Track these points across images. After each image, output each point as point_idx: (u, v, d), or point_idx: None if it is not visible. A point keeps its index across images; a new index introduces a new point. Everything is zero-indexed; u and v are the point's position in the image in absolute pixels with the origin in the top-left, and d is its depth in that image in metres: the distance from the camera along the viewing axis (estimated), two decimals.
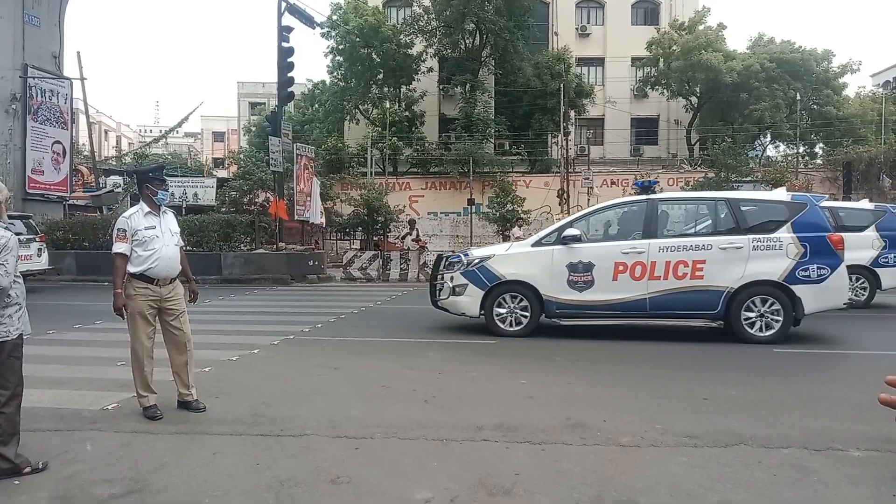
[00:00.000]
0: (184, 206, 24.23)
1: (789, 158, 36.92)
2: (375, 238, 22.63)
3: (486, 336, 9.31)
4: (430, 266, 19.59)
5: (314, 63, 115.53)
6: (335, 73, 36.02)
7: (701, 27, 36.76)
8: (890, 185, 29.04)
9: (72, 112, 23.37)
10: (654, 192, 9.54)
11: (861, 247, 11.68)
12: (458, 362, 7.58)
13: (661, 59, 36.77)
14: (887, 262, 11.83)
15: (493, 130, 34.47)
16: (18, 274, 4.26)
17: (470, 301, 9.42)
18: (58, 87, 21.88)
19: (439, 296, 9.93)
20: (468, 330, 9.98)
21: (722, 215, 9.00)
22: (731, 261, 8.58)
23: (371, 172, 30.61)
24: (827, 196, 14.11)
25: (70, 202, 23.75)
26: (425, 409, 5.63)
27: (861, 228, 12.01)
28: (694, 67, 34.37)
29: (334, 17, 33.99)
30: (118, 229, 5.37)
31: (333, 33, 33.94)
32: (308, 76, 51.54)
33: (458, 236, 27.33)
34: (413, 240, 20.90)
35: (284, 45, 19.27)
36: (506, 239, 21.15)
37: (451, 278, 9.61)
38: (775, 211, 8.84)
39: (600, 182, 29.98)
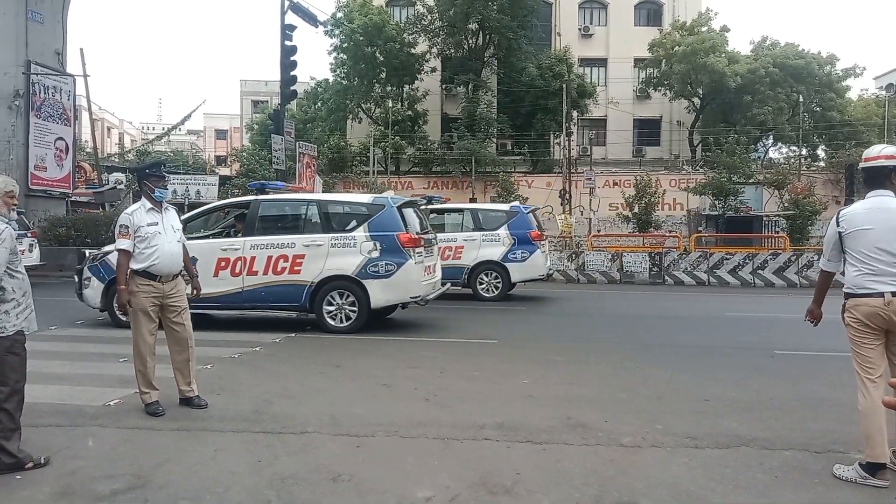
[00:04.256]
0: (186, 203, 24.24)
1: (792, 161, 36.88)
2: None
3: (489, 336, 9.31)
4: None
5: (317, 61, 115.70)
6: (338, 72, 36.00)
7: (704, 29, 36.71)
8: None
9: (74, 109, 23.38)
10: None
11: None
12: (460, 361, 7.59)
13: (664, 61, 36.72)
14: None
15: (495, 130, 34.44)
16: (22, 270, 4.24)
17: (92, 293, 9.60)
18: (61, 83, 21.88)
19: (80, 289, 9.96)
20: (470, 330, 9.99)
21: None
22: None
23: (373, 171, 30.63)
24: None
25: (72, 199, 23.78)
26: (426, 407, 5.63)
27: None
28: (697, 70, 34.33)
29: (339, 15, 33.98)
30: (121, 226, 5.39)
31: (337, 31, 33.93)
32: (311, 74, 51.59)
33: None
34: None
35: (287, 43, 19.26)
36: None
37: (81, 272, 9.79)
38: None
39: (602, 183, 29.95)
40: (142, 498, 3.74)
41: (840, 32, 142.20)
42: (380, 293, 9.12)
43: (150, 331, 5.38)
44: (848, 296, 4.20)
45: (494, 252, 13.55)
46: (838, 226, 4.23)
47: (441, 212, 14.65)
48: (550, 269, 15.44)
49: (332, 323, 9.21)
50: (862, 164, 4.35)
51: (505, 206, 14.92)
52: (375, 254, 9.13)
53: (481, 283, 13.64)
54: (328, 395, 6.06)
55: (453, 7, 32.76)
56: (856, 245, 4.15)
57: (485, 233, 13.71)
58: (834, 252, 4.30)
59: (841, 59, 36.96)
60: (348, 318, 9.23)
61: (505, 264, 13.53)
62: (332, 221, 9.62)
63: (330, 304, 9.23)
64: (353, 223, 9.43)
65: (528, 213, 14.16)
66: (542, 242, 14.01)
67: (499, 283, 13.62)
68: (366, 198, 10.14)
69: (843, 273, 4.31)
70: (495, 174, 30.50)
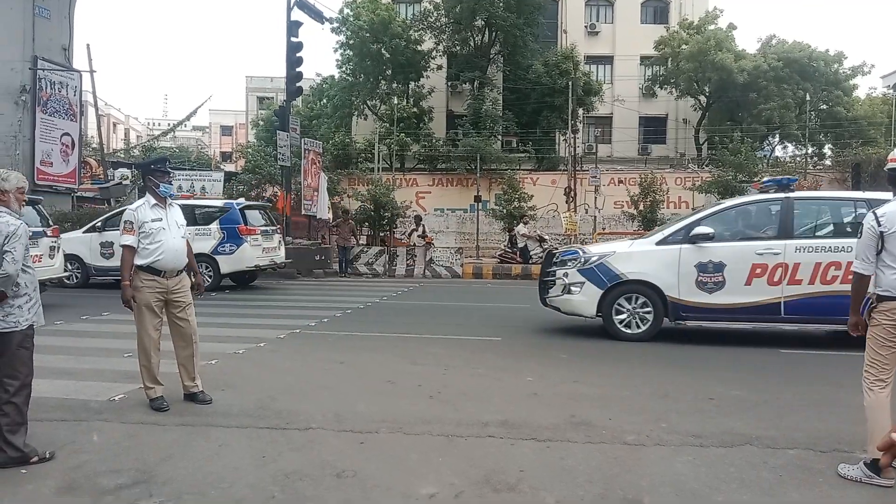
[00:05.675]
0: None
1: (798, 159, 36.72)
2: (382, 234, 22.65)
3: (492, 333, 9.30)
4: (437, 262, 19.67)
5: (323, 58, 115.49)
6: (344, 68, 35.97)
7: (711, 27, 36.59)
8: None
9: (81, 104, 23.36)
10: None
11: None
12: (464, 358, 7.59)
13: (670, 59, 36.61)
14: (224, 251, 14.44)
15: (500, 127, 34.38)
16: (30, 264, 4.28)
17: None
18: (67, 79, 21.91)
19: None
20: (474, 327, 9.98)
21: None
22: None
23: (378, 168, 30.59)
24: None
25: (78, 194, 23.79)
26: (430, 404, 5.64)
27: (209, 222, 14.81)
28: (704, 67, 34.23)
29: (346, 11, 33.97)
30: (125, 222, 5.39)
31: (343, 28, 33.92)
32: (317, 70, 51.47)
33: (464, 233, 27.28)
34: (419, 236, 20.87)
35: (293, 39, 19.28)
36: (511, 236, 21.11)
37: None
38: None
39: (608, 180, 29.86)
40: (146, 493, 3.75)
41: (848, 30, 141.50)
42: None
43: (155, 326, 5.39)
44: (882, 298, 4.09)
45: (206, 245, 14.20)
46: (879, 225, 4.09)
47: None
48: (274, 262, 15.53)
49: None
50: (892, 165, 4.30)
51: (219, 203, 15.74)
52: None
53: None
54: (332, 391, 6.06)
55: (460, 4, 32.70)
56: None
57: (198, 227, 14.30)
58: (872, 253, 4.14)
59: (849, 58, 36.60)
60: None
61: (215, 257, 14.27)
62: None
63: None
64: None
65: (240, 208, 14.82)
66: (254, 237, 14.62)
67: (210, 274, 14.18)
68: None
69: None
70: (500, 171, 30.44)
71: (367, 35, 33.09)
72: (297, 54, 19.38)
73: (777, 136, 38.80)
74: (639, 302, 8.80)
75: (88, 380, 6.23)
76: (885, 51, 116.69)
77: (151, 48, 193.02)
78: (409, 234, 21.58)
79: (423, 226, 21.52)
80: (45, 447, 4.24)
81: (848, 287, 7.90)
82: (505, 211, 22.43)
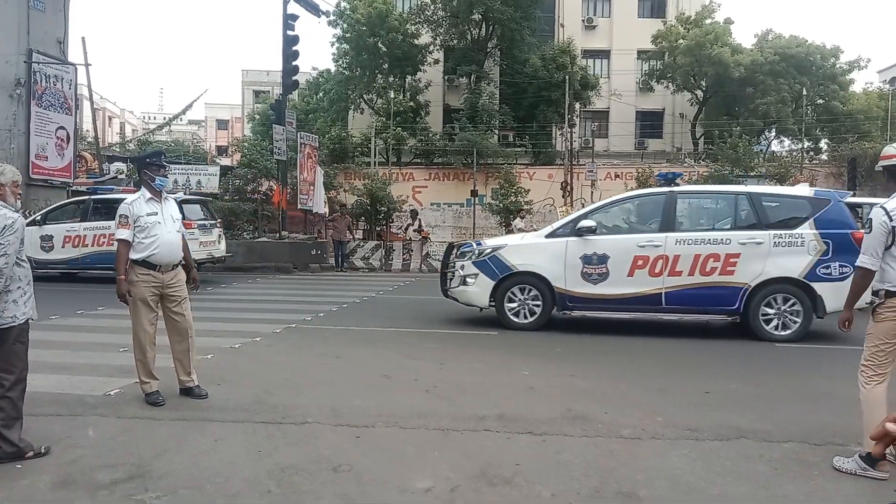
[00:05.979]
0: (187, 193, 24.22)
1: (794, 153, 36.75)
2: (378, 228, 22.62)
3: (488, 327, 9.31)
4: (433, 257, 19.67)
5: (319, 51, 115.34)
6: (340, 62, 35.86)
7: (708, 22, 36.56)
8: None
9: (76, 98, 23.28)
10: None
11: None
12: (460, 353, 7.60)
13: (667, 53, 36.58)
14: None
15: (497, 121, 34.33)
16: (24, 258, 4.26)
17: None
18: (62, 72, 21.81)
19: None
20: (470, 321, 9.99)
21: None
22: None
23: (374, 162, 30.55)
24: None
25: (73, 188, 23.69)
26: (427, 398, 5.64)
27: None
28: (702, 62, 34.22)
29: (343, 5, 33.86)
30: (120, 216, 5.37)
31: (340, 22, 33.83)
32: (313, 64, 51.22)
33: (460, 227, 27.27)
34: (415, 230, 20.88)
35: (289, 33, 19.22)
36: (509, 230, 21.13)
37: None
38: None
39: (604, 175, 29.86)
40: (142, 487, 3.74)
41: (845, 25, 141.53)
42: None
43: (150, 320, 5.38)
44: (891, 294, 4.08)
45: None
46: (891, 220, 4.08)
47: (106, 202, 15.63)
48: (213, 256, 15.43)
49: None
50: (884, 163, 4.42)
51: None
52: None
53: None
54: (328, 385, 6.06)
55: None
56: None
57: None
58: (882, 249, 4.12)
59: (845, 52, 36.74)
60: None
61: None
62: None
63: None
64: None
65: (178, 203, 14.69)
66: (190, 231, 14.52)
67: None
68: None
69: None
70: (497, 166, 30.42)
71: (364, 29, 33.00)
72: (294, 48, 19.32)
73: (773, 130, 38.83)
74: (530, 294, 9.06)
75: (84, 374, 6.21)
76: (881, 46, 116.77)
77: (147, 42, 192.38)
78: (406, 229, 21.56)
79: (420, 220, 21.51)
80: (40, 442, 4.23)
81: (726, 279, 8.47)
82: (501, 205, 22.43)
